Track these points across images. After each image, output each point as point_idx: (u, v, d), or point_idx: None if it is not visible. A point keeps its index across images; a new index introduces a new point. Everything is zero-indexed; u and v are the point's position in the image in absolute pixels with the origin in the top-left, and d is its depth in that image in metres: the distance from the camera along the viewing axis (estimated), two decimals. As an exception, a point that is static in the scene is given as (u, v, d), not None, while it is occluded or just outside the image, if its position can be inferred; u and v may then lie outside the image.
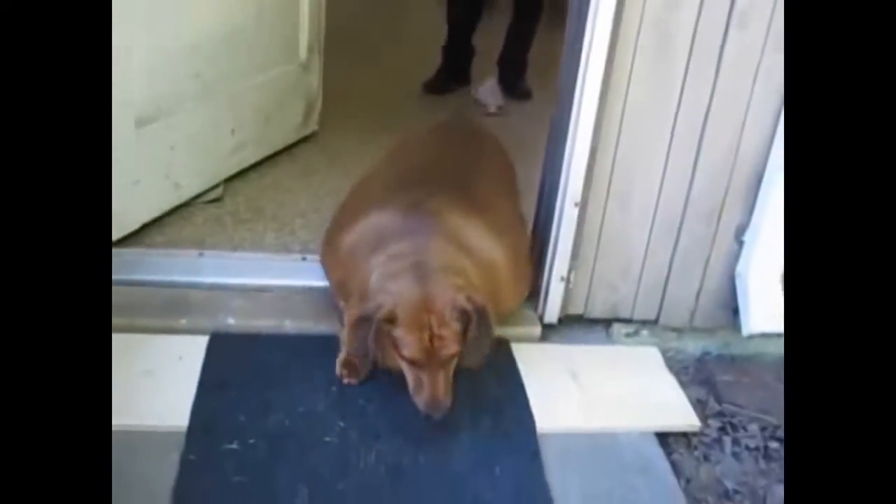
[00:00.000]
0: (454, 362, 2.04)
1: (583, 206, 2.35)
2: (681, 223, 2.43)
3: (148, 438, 1.98)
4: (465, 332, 2.02)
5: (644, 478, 2.07)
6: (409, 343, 1.98)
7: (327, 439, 2.03)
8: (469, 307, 2.00)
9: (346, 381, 2.19)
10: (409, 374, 2.03)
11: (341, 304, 2.28)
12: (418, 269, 2.04)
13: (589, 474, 2.06)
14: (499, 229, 2.30)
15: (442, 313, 1.98)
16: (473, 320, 2.01)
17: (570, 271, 2.44)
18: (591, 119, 2.25)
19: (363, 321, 2.01)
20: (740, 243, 2.46)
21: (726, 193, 2.40)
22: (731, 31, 2.19)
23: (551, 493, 1.97)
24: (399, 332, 1.99)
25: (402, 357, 2.01)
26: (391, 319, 1.98)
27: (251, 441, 1.99)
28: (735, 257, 2.48)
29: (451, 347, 1.99)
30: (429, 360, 1.98)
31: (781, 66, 2.23)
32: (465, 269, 2.11)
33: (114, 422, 1.95)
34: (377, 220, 2.23)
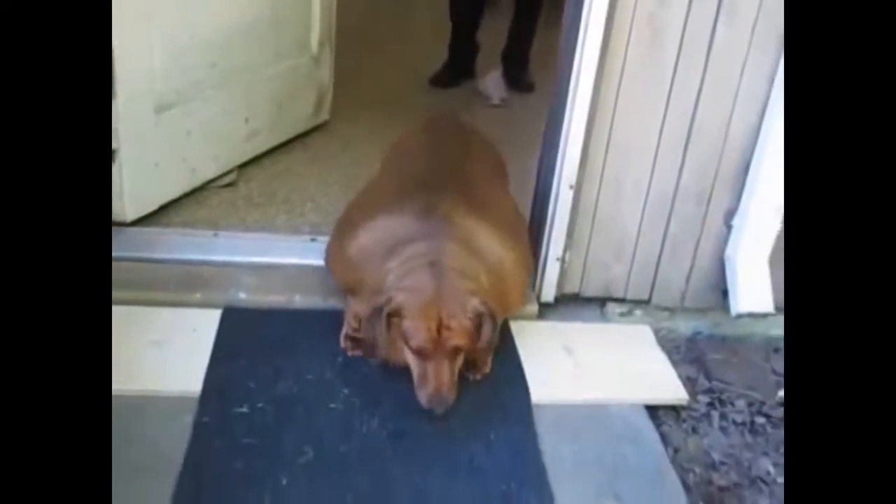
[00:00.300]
0: (460, 359, 2.07)
1: (577, 188, 2.44)
2: (671, 208, 2.51)
3: (163, 403, 2.08)
4: (474, 333, 2.05)
5: (633, 446, 2.16)
6: (416, 332, 2.01)
7: (332, 405, 2.13)
8: (482, 310, 2.05)
9: (350, 353, 2.29)
10: (415, 368, 2.05)
11: (349, 297, 2.34)
12: (434, 267, 2.07)
13: (580, 442, 2.14)
14: (506, 232, 2.33)
15: (452, 307, 2.01)
16: (485, 323, 2.05)
17: (565, 251, 2.52)
18: (586, 106, 2.33)
19: (374, 313, 2.05)
20: (729, 227, 2.54)
21: (715, 179, 2.48)
22: (720, 26, 2.28)
23: (544, 458, 2.05)
24: (407, 323, 2.01)
25: (410, 348, 2.04)
26: (398, 313, 2.02)
27: (260, 405, 2.09)
28: (724, 241, 2.56)
29: (457, 339, 2.01)
30: (435, 349, 2.01)
31: (768, 58, 2.32)
32: (479, 274, 2.14)
33: (130, 387, 2.09)
34: (388, 225, 2.24)
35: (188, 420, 2.03)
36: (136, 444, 1.96)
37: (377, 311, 2.05)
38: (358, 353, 2.28)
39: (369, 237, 2.24)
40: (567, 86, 2.34)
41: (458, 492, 1.93)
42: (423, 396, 2.04)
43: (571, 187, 2.43)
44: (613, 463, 2.10)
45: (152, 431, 2.01)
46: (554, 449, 2.10)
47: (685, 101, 2.38)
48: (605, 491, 2.01)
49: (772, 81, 2.34)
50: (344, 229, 2.41)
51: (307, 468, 1.94)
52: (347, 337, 2.31)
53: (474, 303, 2.04)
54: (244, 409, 2.08)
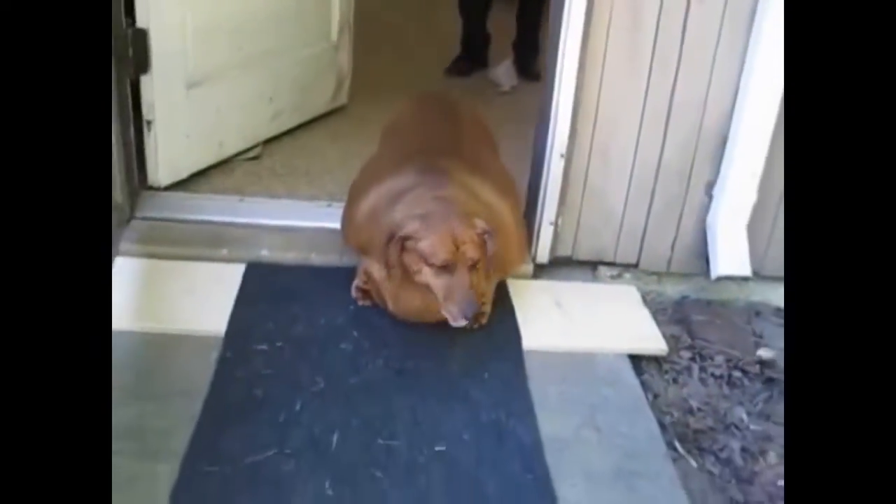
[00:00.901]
0: (478, 272, 2.20)
1: (568, 158, 2.63)
2: (655, 179, 2.69)
3: (193, 341, 2.33)
4: (483, 248, 2.20)
5: (613, 389, 2.36)
6: (436, 249, 2.13)
7: (343, 346, 2.36)
8: (487, 227, 2.21)
9: (360, 303, 2.52)
10: (440, 284, 2.16)
11: (362, 256, 2.52)
12: (439, 199, 2.25)
13: (566, 383, 2.35)
14: (504, 193, 2.52)
15: (463, 223, 2.17)
16: (489, 240, 2.21)
17: (558, 216, 2.72)
18: (573, 82, 2.52)
19: (388, 239, 2.20)
20: (710, 197, 2.71)
21: (695, 152, 2.65)
22: (693, 5, 2.46)
23: (531, 395, 2.27)
24: (425, 243, 2.15)
25: (432, 266, 2.15)
26: (412, 236, 2.17)
27: (278, 344, 2.33)
28: (706, 210, 2.73)
29: (474, 251, 2.15)
30: (456, 261, 2.13)
31: (740, 34, 2.49)
32: (480, 216, 2.29)
33: (162, 327, 2.36)
34: (393, 183, 2.38)
35: (214, 355, 2.27)
36: (170, 374, 2.22)
37: (391, 236, 2.20)
38: (367, 303, 2.51)
39: (376, 196, 2.42)
40: (555, 64, 2.53)
41: (453, 417, 2.16)
42: (453, 308, 2.15)
43: (562, 156, 2.62)
44: (595, 401, 2.30)
45: (184, 364, 2.25)
46: (541, 388, 2.31)
47: (664, 78, 2.56)
48: (586, 423, 2.22)
49: (743, 57, 2.52)
50: (353, 196, 2.61)
51: (318, 395, 2.17)
52: (358, 289, 2.53)
53: (480, 222, 2.21)
54: (263, 347, 2.31)
